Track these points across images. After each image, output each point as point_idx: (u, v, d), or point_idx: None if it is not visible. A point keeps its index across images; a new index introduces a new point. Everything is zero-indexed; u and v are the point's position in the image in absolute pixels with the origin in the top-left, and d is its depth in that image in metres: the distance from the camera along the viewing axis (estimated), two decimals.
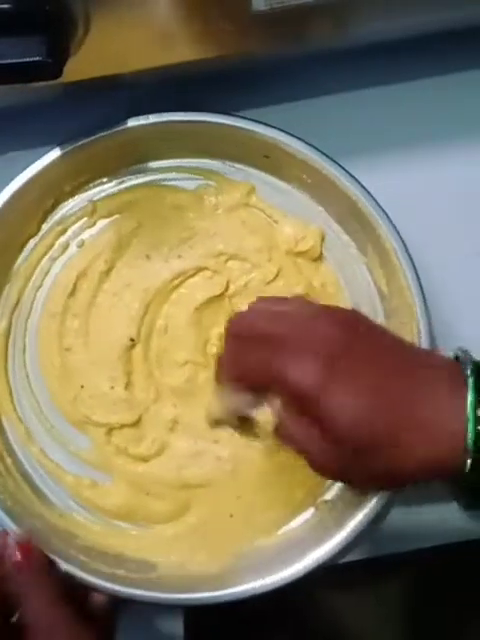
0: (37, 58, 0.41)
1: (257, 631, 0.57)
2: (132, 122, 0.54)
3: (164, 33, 0.49)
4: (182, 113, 0.55)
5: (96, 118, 0.55)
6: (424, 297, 0.53)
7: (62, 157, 0.54)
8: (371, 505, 0.52)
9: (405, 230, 0.54)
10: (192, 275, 0.57)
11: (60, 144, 0.54)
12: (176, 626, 0.55)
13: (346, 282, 0.57)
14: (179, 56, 0.52)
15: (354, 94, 0.60)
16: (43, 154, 0.55)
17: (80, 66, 0.46)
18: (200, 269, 0.57)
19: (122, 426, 0.56)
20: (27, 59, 0.41)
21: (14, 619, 0.51)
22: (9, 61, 0.41)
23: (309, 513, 0.55)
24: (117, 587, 0.52)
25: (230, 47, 0.52)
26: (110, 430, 0.56)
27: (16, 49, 0.41)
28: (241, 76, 0.57)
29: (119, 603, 0.53)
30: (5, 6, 0.40)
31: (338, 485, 0.55)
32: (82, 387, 0.56)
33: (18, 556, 0.50)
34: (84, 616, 0.50)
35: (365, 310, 0.56)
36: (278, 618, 0.57)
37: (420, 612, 0.60)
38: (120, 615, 0.53)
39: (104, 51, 0.49)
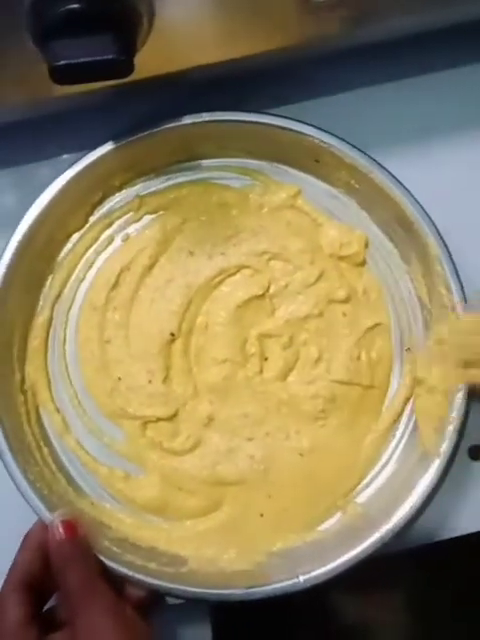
0: (110, 56, 0.41)
1: (282, 633, 0.58)
2: (185, 120, 0.54)
3: (223, 28, 0.49)
4: (236, 113, 0.55)
5: (144, 116, 0.55)
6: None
7: (112, 152, 0.55)
8: (403, 510, 0.52)
9: (447, 233, 0.54)
10: (234, 273, 0.57)
11: (111, 139, 0.54)
12: (203, 631, 0.56)
13: (388, 289, 0.57)
14: (239, 51, 0.51)
15: (388, 86, 0.60)
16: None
17: (143, 64, 0.45)
18: (242, 267, 0.57)
19: (157, 420, 0.56)
20: (101, 57, 0.41)
21: (45, 608, 0.52)
22: (84, 60, 0.41)
23: (337, 517, 0.56)
24: (150, 580, 0.52)
25: (290, 39, 0.52)
26: (145, 423, 0.56)
27: (88, 48, 0.41)
28: (279, 72, 0.57)
29: (153, 604, 0.53)
30: (75, 6, 0.40)
31: (369, 489, 0.56)
32: (119, 379, 0.57)
33: (62, 534, 0.51)
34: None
35: (405, 318, 0.57)
36: (301, 617, 0.58)
37: (432, 605, 0.61)
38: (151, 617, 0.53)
39: (166, 48, 0.49)
